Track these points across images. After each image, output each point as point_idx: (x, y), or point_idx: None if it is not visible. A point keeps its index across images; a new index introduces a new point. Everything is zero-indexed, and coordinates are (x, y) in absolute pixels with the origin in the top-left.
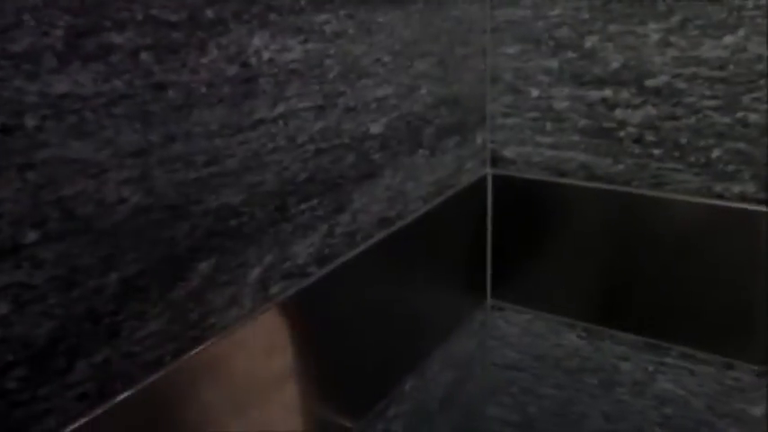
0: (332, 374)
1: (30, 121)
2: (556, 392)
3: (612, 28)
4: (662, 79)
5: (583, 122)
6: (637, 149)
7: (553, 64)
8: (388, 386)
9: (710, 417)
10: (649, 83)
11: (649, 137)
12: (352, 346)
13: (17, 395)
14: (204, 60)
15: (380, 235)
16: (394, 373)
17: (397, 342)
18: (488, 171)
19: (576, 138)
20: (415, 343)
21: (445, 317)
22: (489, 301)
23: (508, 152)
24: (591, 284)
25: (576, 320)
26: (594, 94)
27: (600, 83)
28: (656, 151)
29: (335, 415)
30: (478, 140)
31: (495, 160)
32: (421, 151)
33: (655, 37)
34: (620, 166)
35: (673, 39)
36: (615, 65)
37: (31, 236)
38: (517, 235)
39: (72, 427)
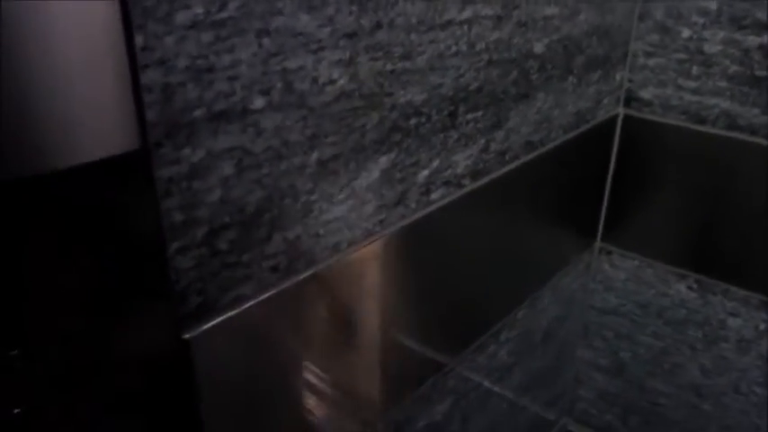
0: (453, 296)
1: None
2: (653, 341)
3: None
4: None
5: (734, 69)
6: None
7: (711, 5)
8: (497, 317)
9: None
10: None
11: None
12: (473, 270)
13: (226, 256)
14: None
15: (525, 158)
16: (505, 304)
17: (513, 274)
18: (620, 111)
19: (723, 84)
20: (526, 276)
21: (556, 254)
22: (598, 243)
23: (645, 93)
24: (710, 237)
25: (689, 271)
26: (752, 40)
27: (760, 28)
28: None
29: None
30: (617, 77)
31: (629, 100)
32: (570, 78)
33: None
34: (766, 117)
35: None
36: None
37: (258, 102)
38: (638, 179)
39: (263, 296)
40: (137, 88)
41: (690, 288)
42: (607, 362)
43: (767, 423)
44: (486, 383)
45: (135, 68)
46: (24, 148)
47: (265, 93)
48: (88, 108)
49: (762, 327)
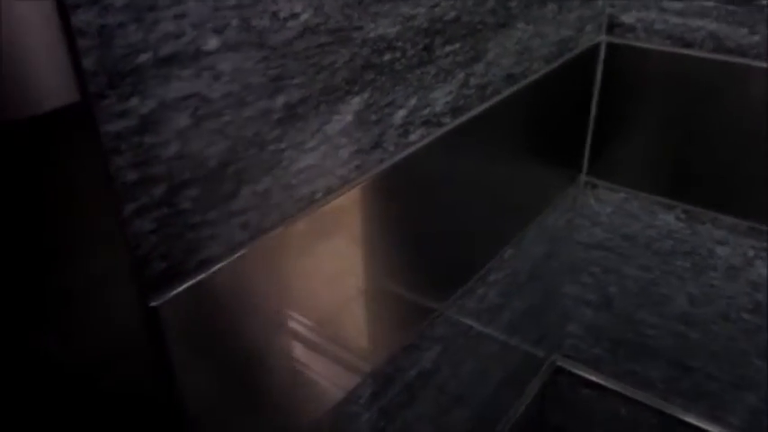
0: (437, 240)
1: None
2: (641, 273)
3: None
4: None
5: None
6: None
7: None
8: (484, 259)
9: None
10: None
11: None
12: (457, 212)
13: (190, 216)
14: None
15: (506, 92)
16: (492, 245)
17: (498, 213)
18: (603, 38)
19: (709, 3)
20: (512, 215)
21: (541, 190)
22: (583, 177)
23: (628, 17)
24: (696, 165)
25: (676, 201)
26: None
27: None
28: None
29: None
30: (599, 2)
31: (612, 26)
32: (550, 5)
33: None
34: (756, 37)
35: None
36: None
37: (212, 43)
38: (622, 109)
39: (234, 256)
40: (69, 32)
41: (677, 218)
42: (595, 296)
43: (755, 348)
44: (476, 326)
45: (64, 9)
46: None
47: (219, 32)
48: (10, 58)
49: (750, 253)
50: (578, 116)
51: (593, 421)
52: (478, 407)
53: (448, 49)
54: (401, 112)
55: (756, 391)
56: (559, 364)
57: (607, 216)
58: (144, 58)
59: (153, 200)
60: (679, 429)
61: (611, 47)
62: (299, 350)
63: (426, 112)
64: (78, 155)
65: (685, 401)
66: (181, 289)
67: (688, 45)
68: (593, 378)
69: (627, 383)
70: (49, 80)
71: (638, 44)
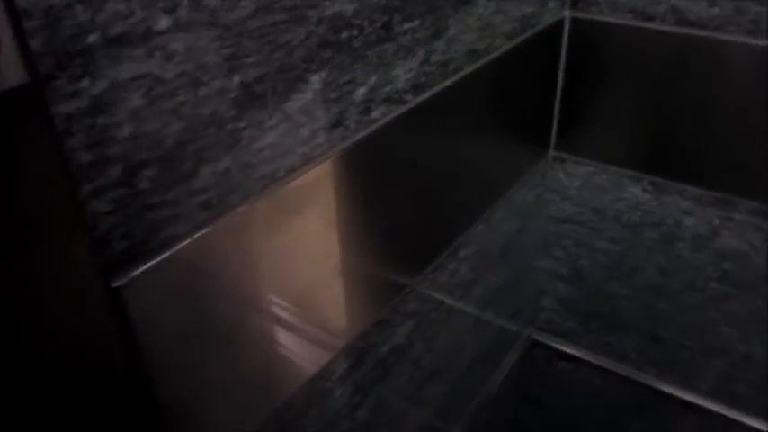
0: (406, 216)
1: None
2: (611, 246)
3: None
4: None
5: None
6: None
7: None
8: (454, 234)
9: None
10: None
11: None
12: (425, 189)
13: (149, 197)
14: None
15: (469, 69)
16: (461, 221)
17: (466, 189)
18: (567, 14)
19: None
20: (481, 190)
21: (509, 166)
22: (552, 152)
23: None
24: (663, 138)
25: (643, 173)
26: None
27: None
28: None
29: (400, 262)
30: None
31: (576, 2)
32: None
33: None
34: (716, 10)
35: None
36: None
37: (163, 22)
38: (588, 83)
39: (196, 235)
40: (14, 13)
41: (645, 190)
42: (567, 270)
43: (723, 316)
44: (448, 301)
45: None
46: None
47: (170, 11)
48: None
49: (716, 222)
50: (545, 91)
51: (568, 393)
52: (454, 381)
53: (407, 26)
54: (361, 90)
55: (725, 358)
56: (535, 337)
57: (576, 190)
58: (93, 38)
59: (110, 181)
60: (653, 398)
61: (576, 21)
62: (269, 327)
63: (388, 89)
64: (31, 137)
65: (658, 371)
66: (144, 268)
67: (650, 18)
68: (569, 350)
69: (601, 355)
70: None
71: (602, 18)
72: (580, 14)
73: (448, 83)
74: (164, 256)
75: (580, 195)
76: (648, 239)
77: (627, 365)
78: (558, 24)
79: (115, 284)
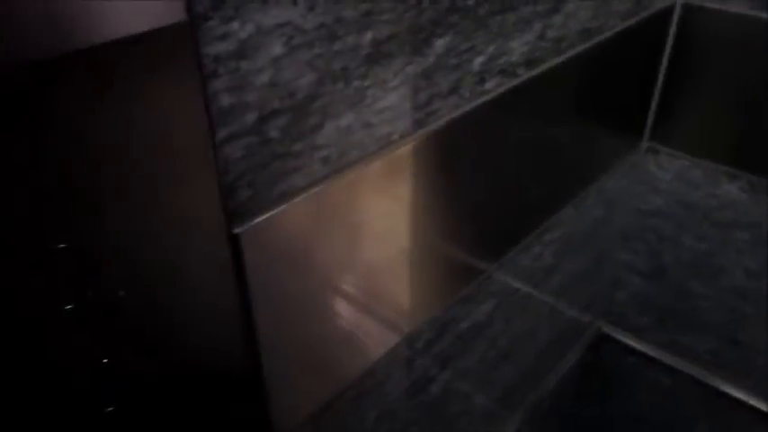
0: (500, 193)
1: None
2: (697, 244)
3: None
4: None
5: None
6: None
7: None
8: (542, 217)
9: None
10: None
11: None
12: (522, 166)
13: (277, 146)
14: None
15: (580, 47)
16: (550, 204)
17: (558, 172)
18: (678, 0)
19: None
20: (573, 175)
21: (603, 152)
22: (645, 142)
23: None
24: (766, 136)
25: (742, 171)
26: None
27: None
28: None
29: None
30: None
31: None
32: None
33: None
34: None
35: None
36: None
37: None
38: (692, 73)
39: (313, 190)
40: None
41: (740, 189)
42: (647, 264)
43: None
44: (528, 285)
45: None
46: (55, 21)
47: None
48: None
49: None
50: (646, 78)
51: (633, 389)
52: (523, 367)
53: None
54: (480, 59)
55: None
56: (604, 330)
57: (667, 183)
58: None
59: (244, 126)
60: (722, 402)
61: (686, 7)
62: (362, 291)
63: (503, 61)
64: (180, 75)
65: (732, 375)
66: (262, 218)
67: None
68: (638, 346)
69: (672, 354)
70: None
71: (716, 5)
72: (692, 1)
73: (559, 60)
74: (281, 207)
75: (670, 189)
76: (738, 240)
77: (698, 367)
78: (669, 10)
79: (236, 231)
